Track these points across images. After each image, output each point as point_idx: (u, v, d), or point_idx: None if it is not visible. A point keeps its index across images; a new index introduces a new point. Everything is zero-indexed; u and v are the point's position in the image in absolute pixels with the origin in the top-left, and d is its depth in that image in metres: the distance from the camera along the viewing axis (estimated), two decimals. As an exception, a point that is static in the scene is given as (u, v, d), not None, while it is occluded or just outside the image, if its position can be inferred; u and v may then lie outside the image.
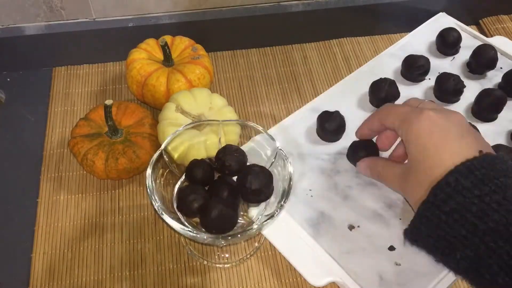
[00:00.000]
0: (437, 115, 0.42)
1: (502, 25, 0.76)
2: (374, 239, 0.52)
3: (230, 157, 0.48)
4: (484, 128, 0.61)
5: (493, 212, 0.35)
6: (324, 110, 0.60)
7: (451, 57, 0.70)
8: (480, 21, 0.77)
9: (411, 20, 0.74)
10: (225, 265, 0.53)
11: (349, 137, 0.59)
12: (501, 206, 0.35)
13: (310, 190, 0.56)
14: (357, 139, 0.54)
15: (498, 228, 0.35)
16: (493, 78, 0.67)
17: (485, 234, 0.35)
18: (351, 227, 0.53)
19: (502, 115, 0.63)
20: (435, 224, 0.38)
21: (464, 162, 0.38)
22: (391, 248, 0.52)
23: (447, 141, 0.40)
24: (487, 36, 0.74)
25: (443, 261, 0.41)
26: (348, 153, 0.56)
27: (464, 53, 0.70)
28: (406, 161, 0.44)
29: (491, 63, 0.66)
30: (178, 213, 0.48)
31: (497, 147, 0.56)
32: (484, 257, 0.35)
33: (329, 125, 0.58)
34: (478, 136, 0.43)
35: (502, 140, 0.61)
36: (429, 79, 0.67)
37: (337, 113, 0.59)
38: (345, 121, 0.59)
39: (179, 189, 0.50)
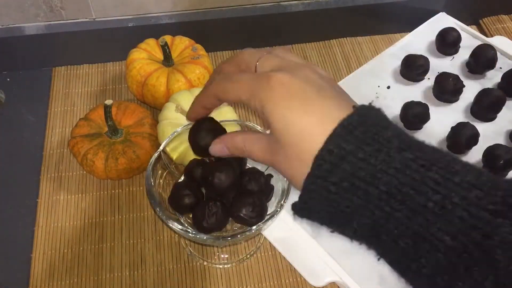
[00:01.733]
0: (287, 76, 0.36)
1: (502, 25, 0.76)
2: None
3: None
4: (484, 128, 0.61)
5: (382, 174, 0.32)
6: None
7: (450, 57, 0.70)
8: (480, 21, 0.77)
9: (411, 20, 0.74)
10: (225, 266, 0.53)
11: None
12: (389, 165, 0.32)
13: None
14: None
15: (391, 190, 0.32)
16: (493, 78, 0.67)
17: (379, 199, 0.32)
18: None
19: (501, 115, 0.63)
20: (325, 197, 0.34)
21: (341, 122, 0.33)
22: None
23: (311, 105, 0.34)
24: (487, 36, 0.74)
25: (339, 232, 0.37)
26: (195, 223, 0.46)
27: (464, 53, 0.69)
28: (268, 131, 0.37)
29: (491, 63, 0.66)
30: (171, 208, 0.48)
31: (496, 147, 0.56)
32: (382, 223, 0.33)
33: None
34: (337, 88, 0.38)
35: (501, 140, 0.61)
36: (429, 78, 0.67)
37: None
38: None
39: (175, 183, 0.49)
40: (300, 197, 0.36)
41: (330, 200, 0.34)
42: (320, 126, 0.34)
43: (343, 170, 0.33)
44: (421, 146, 0.33)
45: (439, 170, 0.31)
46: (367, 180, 0.32)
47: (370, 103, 0.35)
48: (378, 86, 0.66)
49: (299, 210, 0.37)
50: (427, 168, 0.31)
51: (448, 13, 0.74)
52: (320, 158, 0.33)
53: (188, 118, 0.44)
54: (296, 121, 0.34)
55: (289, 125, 0.35)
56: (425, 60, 0.66)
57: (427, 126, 0.62)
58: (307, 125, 0.34)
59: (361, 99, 0.69)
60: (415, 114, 0.60)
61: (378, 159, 0.32)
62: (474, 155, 0.59)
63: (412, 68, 0.65)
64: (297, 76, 0.36)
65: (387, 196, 0.32)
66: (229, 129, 0.54)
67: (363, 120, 0.33)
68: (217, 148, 0.42)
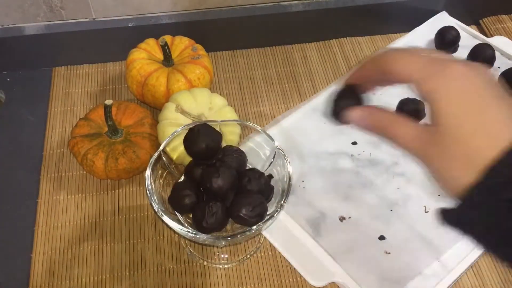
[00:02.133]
0: (466, 68, 0.32)
1: (502, 25, 0.76)
2: (365, 229, 0.53)
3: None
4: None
5: None
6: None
7: None
8: (480, 21, 0.77)
9: (411, 20, 0.74)
10: (225, 266, 0.53)
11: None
12: None
13: (303, 181, 0.56)
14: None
15: None
16: None
17: None
18: (342, 218, 0.54)
19: None
20: (490, 213, 0.31)
21: None
22: (381, 238, 0.53)
23: (490, 106, 0.31)
24: (487, 36, 0.74)
25: (494, 251, 0.33)
26: (194, 223, 0.47)
27: (463, 52, 0.70)
28: (423, 121, 0.34)
29: (488, 62, 0.66)
30: (171, 208, 0.48)
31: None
32: None
33: None
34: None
35: None
36: None
37: None
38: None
39: (175, 183, 0.50)
40: (459, 206, 0.33)
41: (495, 217, 0.31)
42: (502, 130, 0.30)
43: None
44: None
45: None
46: None
47: None
48: None
49: (453, 218, 0.34)
50: None
51: (448, 13, 0.74)
52: (497, 169, 0.30)
53: (348, 80, 0.39)
54: (472, 119, 0.31)
55: (463, 121, 0.31)
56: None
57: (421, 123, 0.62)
58: (485, 126, 0.31)
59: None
60: (410, 110, 0.60)
61: None
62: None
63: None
64: (475, 71, 0.32)
65: None
66: (229, 129, 0.54)
67: None
68: (357, 115, 0.37)
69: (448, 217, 0.34)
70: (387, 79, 0.36)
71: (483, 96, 0.32)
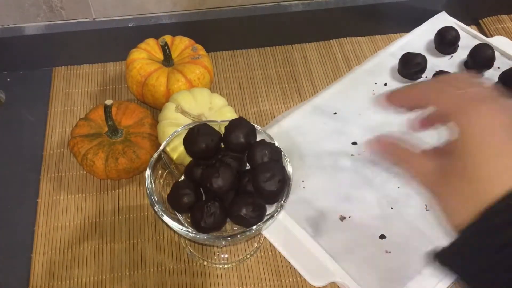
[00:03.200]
0: (499, 108, 0.33)
1: (502, 25, 0.76)
2: (365, 228, 0.53)
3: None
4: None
5: None
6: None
7: (449, 56, 0.70)
8: (480, 21, 0.77)
9: (411, 20, 0.74)
10: (225, 266, 0.53)
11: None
12: None
13: (303, 181, 0.56)
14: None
15: None
16: (490, 77, 0.67)
17: None
18: (342, 218, 0.54)
19: None
20: (482, 255, 0.31)
21: None
22: (382, 237, 0.53)
23: (510, 150, 0.31)
24: (487, 36, 0.74)
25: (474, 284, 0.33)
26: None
27: (462, 52, 0.70)
28: (441, 156, 0.35)
29: (488, 62, 0.66)
30: (171, 208, 0.48)
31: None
32: None
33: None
34: None
35: None
36: (426, 77, 0.67)
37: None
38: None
39: (175, 182, 0.50)
40: (453, 243, 0.33)
41: (487, 260, 0.30)
42: (510, 175, 0.30)
43: None
44: None
45: None
46: None
47: None
48: (376, 83, 0.67)
49: (446, 255, 0.33)
50: None
51: (448, 13, 0.74)
52: (493, 211, 0.29)
53: (385, 99, 0.40)
54: (490, 160, 0.31)
55: (481, 161, 0.31)
56: (423, 59, 0.66)
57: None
58: (498, 168, 0.31)
59: (357, 95, 0.69)
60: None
61: None
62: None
63: (410, 66, 0.66)
64: (507, 111, 0.33)
65: None
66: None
67: None
68: (378, 145, 0.39)
69: (440, 254, 0.34)
70: (422, 107, 0.38)
71: (506, 139, 0.32)
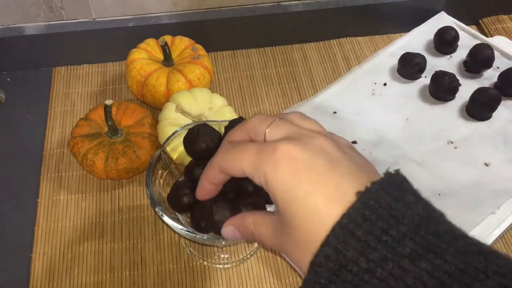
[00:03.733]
0: (295, 147, 0.30)
1: (502, 25, 0.76)
2: None
3: None
4: (478, 127, 0.61)
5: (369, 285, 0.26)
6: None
7: (448, 56, 0.70)
8: (480, 21, 0.77)
9: (411, 20, 0.74)
10: (225, 266, 0.53)
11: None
12: (400, 280, 0.25)
13: None
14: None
15: None
16: (490, 77, 0.67)
17: None
18: None
19: (496, 114, 0.63)
20: None
21: (340, 220, 0.27)
22: None
23: (321, 182, 0.29)
24: (487, 36, 0.74)
25: None
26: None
27: (462, 52, 0.70)
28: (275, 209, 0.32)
29: (487, 62, 0.66)
30: (171, 208, 0.48)
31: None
32: None
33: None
34: (357, 159, 0.32)
35: (496, 139, 0.61)
36: (425, 77, 0.67)
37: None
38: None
39: (175, 182, 0.50)
40: None
41: None
42: (328, 206, 0.28)
43: (343, 281, 0.27)
44: (449, 242, 0.26)
45: None
46: None
47: (392, 172, 0.29)
48: (375, 83, 0.67)
49: None
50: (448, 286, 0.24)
51: (448, 13, 0.74)
52: (317, 264, 0.27)
53: (197, 196, 0.40)
54: (302, 201, 0.29)
55: (295, 205, 0.30)
56: (422, 59, 0.66)
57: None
58: (314, 205, 0.29)
59: (357, 95, 0.70)
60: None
61: (386, 271, 0.25)
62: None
63: (409, 66, 0.66)
64: (307, 146, 0.31)
65: None
66: (229, 129, 0.54)
67: (373, 210, 0.27)
68: (228, 231, 0.37)
69: None
70: (229, 178, 0.36)
71: (314, 174, 0.29)
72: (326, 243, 0.27)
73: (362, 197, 0.27)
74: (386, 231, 0.26)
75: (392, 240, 0.26)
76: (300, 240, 0.30)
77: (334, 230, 0.27)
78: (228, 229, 0.37)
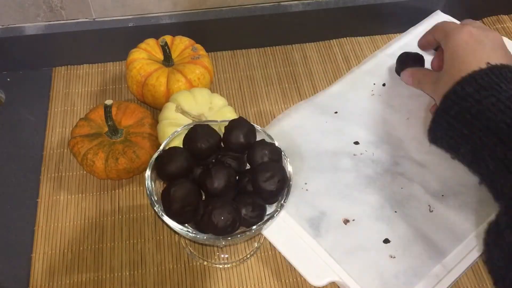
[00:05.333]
0: (476, 30, 0.49)
1: (502, 25, 0.76)
2: (369, 232, 0.53)
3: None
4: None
5: (487, 112, 0.41)
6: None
7: None
8: (480, 21, 0.77)
9: (411, 20, 0.74)
10: (225, 265, 0.53)
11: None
12: (494, 106, 0.41)
13: (306, 183, 0.56)
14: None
15: (490, 125, 0.41)
16: None
17: (480, 130, 0.42)
18: (346, 221, 0.53)
19: None
20: (445, 127, 0.46)
21: (472, 72, 0.45)
22: (386, 241, 0.52)
23: (477, 51, 0.46)
24: (487, 36, 0.74)
25: (455, 157, 0.50)
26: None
27: None
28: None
29: None
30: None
31: None
32: (480, 150, 0.42)
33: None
34: (508, 53, 0.49)
35: None
36: None
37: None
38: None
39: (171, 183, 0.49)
40: (429, 124, 0.50)
41: (448, 129, 0.45)
42: (470, 67, 0.45)
43: (460, 107, 0.43)
44: None
45: None
46: (475, 116, 0.42)
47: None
48: (374, 84, 0.67)
49: (428, 134, 0.51)
50: None
51: (448, 13, 0.74)
52: (447, 96, 0.46)
53: (417, 44, 0.64)
54: (460, 59, 0.47)
55: (455, 60, 0.48)
56: (420, 58, 0.66)
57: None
58: (464, 64, 0.46)
59: (357, 96, 0.70)
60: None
61: (489, 101, 0.42)
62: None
63: (407, 65, 0.65)
64: (482, 32, 0.49)
65: (487, 129, 0.42)
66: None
67: (491, 73, 0.44)
68: (406, 74, 0.62)
69: (427, 135, 0.51)
70: (436, 41, 0.57)
71: (478, 46, 0.48)
72: (458, 82, 0.46)
73: (490, 65, 0.45)
74: (498, 83, 0.43)
75: (499, 88, 0.42)
76: (446, 85, 0.48)
77: (464, 77, 0.46)
78: (406, 73, 0.62)
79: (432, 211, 0.54)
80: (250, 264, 0.53)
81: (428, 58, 0.67)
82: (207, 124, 0.49)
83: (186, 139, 0.49)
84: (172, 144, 0.51)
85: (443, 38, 0.52)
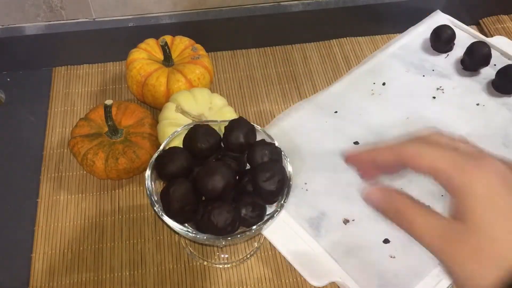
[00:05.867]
0: (502, 164, 0.31)
1: (502, 25, 0.76)
2: (369, 232, 0.53)
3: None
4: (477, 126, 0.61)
5: None
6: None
7: (445, 54, 0.70)
8: (480, 21, 0.77)
9: (411, 20, 0.74)
10: (225, 265, 0.53)
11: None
12: None
13: (306, 183, 0.56)
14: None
15: None
16: (487, 75, 0.67)
17: None
18: (346, 221, 0.53)
19: (495, 114, 0.63)
20: None
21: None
22: (386, 241, 0.52)
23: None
24: (487, 36, 0.74)
25: None
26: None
27: (459, 50, 0.70)
28: (447, 214, 0.32)
29: (484, 60, 0.66)
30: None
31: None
32: None
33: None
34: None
35: (497, 139, 0.61)
36: (423, 76, 0.67)
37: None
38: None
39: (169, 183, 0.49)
40: None
41: None
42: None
43: None
44: None
45: None
46: None
47: None
48: (374, 83, 0.67)
49: None
50: None
51: (448, 13, 0.74)
52: None
53: (347, 159, 0.37)
54: (503, 220, 0.29)
55: (498, 217, 0.29)
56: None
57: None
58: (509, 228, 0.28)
59: (356, 95, 0.70)
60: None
61: None
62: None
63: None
64: (509, 167, 0.31)
65: None
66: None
67: None
68: (374, 194, 0.35)
69: None
70: (400, 169, 0.35)
71: (508, 198, 0.30)
72: None
73: None
74: None
75: None
76: (484, 258, 0.29)
77: None
78: (375, 194, 0.35)
79: None
80: (250, 264, 0.53)
81: (426, 58, 0.67)
82: (207, 124, 0.49)
83: (186, 139, 0.49)
84: (172, 144, 0.51)
85: (452, 173, 0.32)
